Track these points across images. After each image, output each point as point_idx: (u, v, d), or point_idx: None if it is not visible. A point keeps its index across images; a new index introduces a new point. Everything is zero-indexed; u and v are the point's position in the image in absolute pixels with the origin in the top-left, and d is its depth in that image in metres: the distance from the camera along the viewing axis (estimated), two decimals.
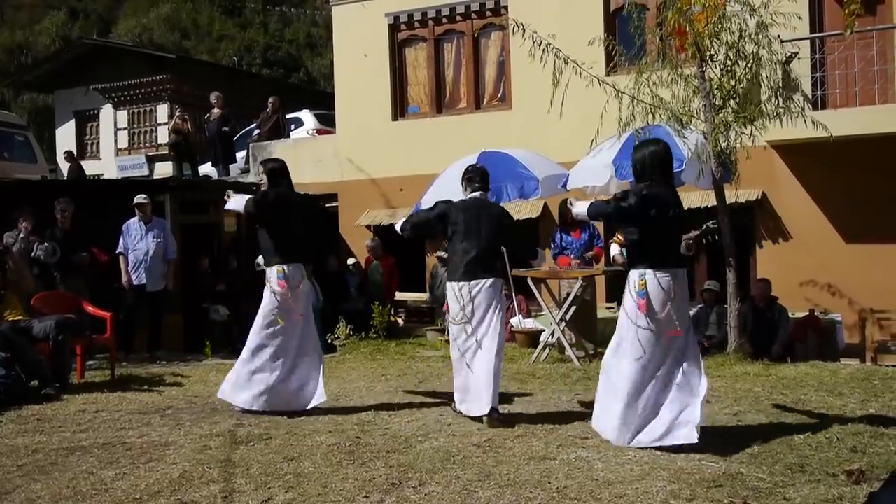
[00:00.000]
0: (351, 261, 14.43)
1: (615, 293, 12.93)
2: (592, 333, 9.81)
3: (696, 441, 5.05)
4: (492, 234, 6.33)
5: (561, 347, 9.48)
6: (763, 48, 9.11)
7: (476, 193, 6.53)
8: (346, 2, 16.15)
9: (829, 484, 4.40)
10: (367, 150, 15.62)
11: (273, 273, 6.58)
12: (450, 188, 8.84)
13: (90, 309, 9.18)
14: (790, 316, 10.73)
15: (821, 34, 11.95)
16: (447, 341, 8.69)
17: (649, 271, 5.28)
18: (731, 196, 10.30)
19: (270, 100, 17.92)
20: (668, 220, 5.35)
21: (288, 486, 4.61)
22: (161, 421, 6.46)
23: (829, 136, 9.34)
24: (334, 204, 16.01)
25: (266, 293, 6.61)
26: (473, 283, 6.21)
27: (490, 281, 6.24)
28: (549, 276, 9.99)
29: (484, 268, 6.26)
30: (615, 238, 5.74)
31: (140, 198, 11.06)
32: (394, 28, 15.77)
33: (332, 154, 16.17)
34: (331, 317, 11.97)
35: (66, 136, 27.04)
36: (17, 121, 17.90)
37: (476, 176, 6.58)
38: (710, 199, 10.64)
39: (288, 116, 18.78)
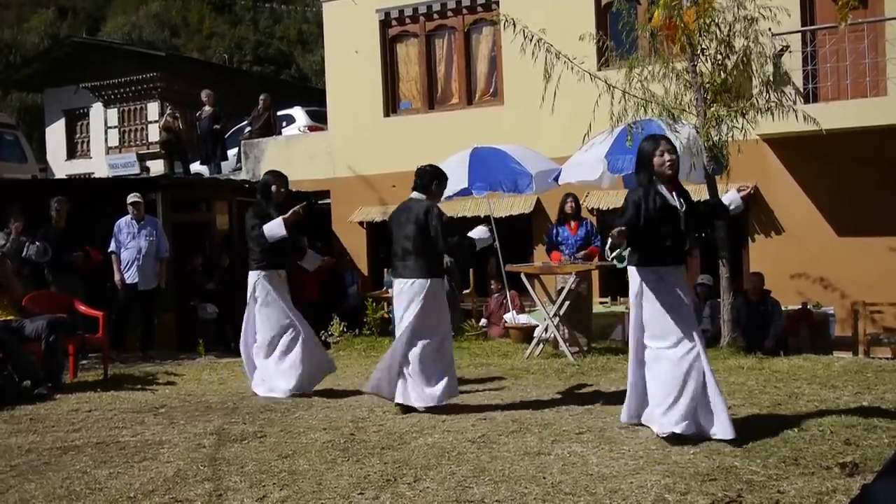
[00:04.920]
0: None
1: (609, 288, 12.98)
2: (587, 328, 9.82)
3: None
4: (406, 236, 6.41)
5: (555, 343, 9.49)
6: (752, 42, 9.13)
7: (412, 194, 6.61)
8: None
9: (822, 476, 4.42)
10: (358, 147, 15.62)
11: None
12: None
13: (82, 308, 9.16)
14: (783, 309, 10.76)
15: (812, 27, 11.97)
16: None
17: None
18: (722, 190, 10.30)
19: (261, 97, 17.90)
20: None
21: (282, 484, 4.61)
22: (155, 420, 6.45)
23: (820, 129, 9.37)
24: (327, 201, 16.01)
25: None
26: (396, 281, 6.49)
27: (407, 283, 6.37)
28: (543, 271, 10.00)
29: (402, 269, 6.44)
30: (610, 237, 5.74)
31: (133, 196, 11.04)
32: (385, 24, 15.76)
33: (324, 151, 16.16)
34: (325, 313, 11.99)
35: (55, 135, 26.97)
36: (6, 120, 17.84)
37: (416, 176, 6.64)
38: (702, 193, 10.65)
39: (279, 113, 18.76)
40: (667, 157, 5.30)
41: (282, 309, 7.18)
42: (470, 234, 6.58)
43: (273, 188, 7.21)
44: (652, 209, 5.27)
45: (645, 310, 5.36)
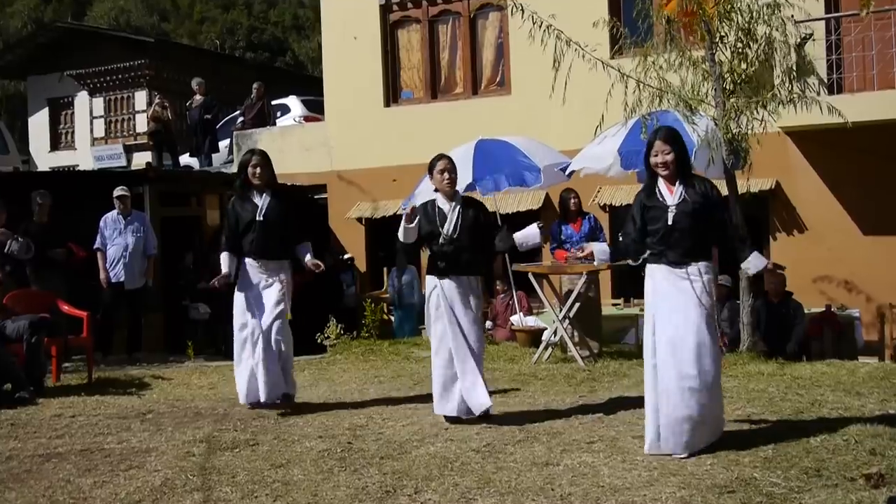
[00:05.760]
0: (348, 256, 14.78)
1: (622, 289, 12.97)
2: (597, 332, 9.81)
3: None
4: None
5: (564, 347, 9.48)
6: (776, 29, 9.11)
7: None
8: None
9: (846, 488, 4.42)
10: (357, 139, 15.60)
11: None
12: None
13: (66, 308, 9.16)
14: (806, 312, 10.74)
15: (836, 14, 11.94)
16: None
17: None
18: (742, 185, 10.31)
19: (255, 85, 17.90)
20: None
21: (276, 495, 4.62)
22: (141, 426, 6.46)
23: (845, 122, 9.35)
24: (323, 195, 16.00)
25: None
26: None
27: None
28: (552, 270, 9.99)
29: None
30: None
31: (120, 190, 11.04)
32: (385, 9, 15.74)
33: (321, 142, 16.16)
34: (321, 315, 12.00)
35: (39, 125, 27.01)
36: None
37: None
38: (720, 189, 10.63)
39: (274, 103, 18.77)
40: (660, 157, 5.43)
41: (242, 305, 6.93)
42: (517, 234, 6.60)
43: (248, 169, 6.99)
44: (641, 210, 5.50)
45: None
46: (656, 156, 5.45)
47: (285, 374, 6.92)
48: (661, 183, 5.49)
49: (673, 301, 5.32)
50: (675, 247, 5.37)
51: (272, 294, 6.91)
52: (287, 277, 6.99)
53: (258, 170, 6.98)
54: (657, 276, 5.42)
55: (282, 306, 6.89)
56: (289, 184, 14.85)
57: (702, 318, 5.27)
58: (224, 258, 6.97)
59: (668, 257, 5.38)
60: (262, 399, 6.85)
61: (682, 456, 5.11)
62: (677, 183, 5.44)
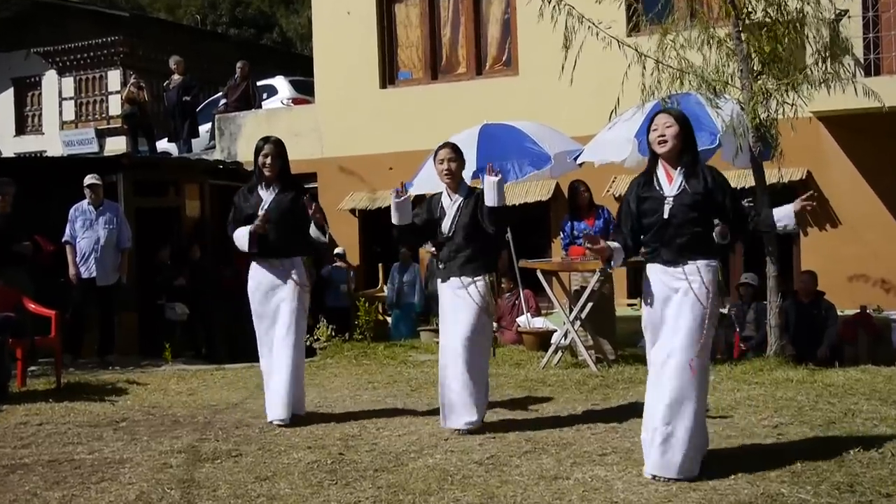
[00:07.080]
0: (338, 250, 14.68)
1: (638, 288, 12.96)
2: (611, 334, 9.82)
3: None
4: None
5: (575, 350, 9.49)
6: (808, 4, 9.10)
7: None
8: None
9: None
10: (350, 123, 15.60)
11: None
12: None
13: (32, 306, 9.18)
14: (839, 313, 10.75)
15: None
16: None
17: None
18: (771, 175, 10.32)
19: (239, 64, 17.89)
20: None
21: None
22: (114, 435, 6.47)
23: (883, 105, 9.35)
24: (313, 185, 15.99)
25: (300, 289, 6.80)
26: None
27: None
28: (562, 268, 10.00)
29: None
30: None
31: (91, 178, 11.05)
32: None
33: (311, 127, 16.16)
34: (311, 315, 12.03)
35: (2, 108, 26.99)
36: None
37: None
38: (747, 179, 10.64)
39: (259, 84, 18.75)
40: (659, 130, 5.18)
41: (254, 311, 6.85)
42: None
43: (259, 158, 6.84)
44: (637, 202, 5.27)
45: None
46: (656, 129, 5.20)
47: (296, 390, 6.74)
48: (661, 170, 5.24)
49: (665, 306, 5.10)
50: (669, 244, 5.12)
51: (283, 300, 6.76)
52: (300, 278, 6.79)
53: (269, 160, 6.80)
54: (651, 278, 5.20)
55: (292, 315, 6.73)
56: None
57: (694, 322, 5.01)
58: (239, 231, 6.81)
59: (663, 256, 5.14)
60: (269, 418, 6.70)
61: (664, 477, 4.92)
62: (678, 170, 5.19)
